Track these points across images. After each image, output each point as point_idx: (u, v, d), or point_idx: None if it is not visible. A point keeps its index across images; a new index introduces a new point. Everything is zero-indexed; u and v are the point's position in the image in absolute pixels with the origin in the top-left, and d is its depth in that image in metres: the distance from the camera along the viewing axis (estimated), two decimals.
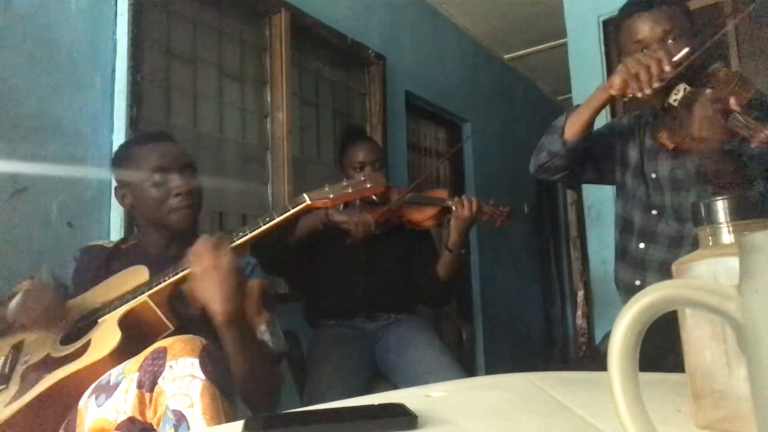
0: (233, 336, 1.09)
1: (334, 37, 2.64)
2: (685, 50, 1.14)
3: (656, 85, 1.11)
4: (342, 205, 1.18)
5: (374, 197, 1.28)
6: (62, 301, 1.16)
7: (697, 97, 1.11)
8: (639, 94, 1.13)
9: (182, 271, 1.11)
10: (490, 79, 4.37)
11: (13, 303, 1.11)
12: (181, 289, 1.16)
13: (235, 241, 1.11)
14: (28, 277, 1.30)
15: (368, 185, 1.17)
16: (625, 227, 1.42)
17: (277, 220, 1.12)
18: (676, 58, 1.13)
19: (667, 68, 1.11)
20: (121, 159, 1.32)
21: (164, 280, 1.12)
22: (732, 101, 1.04)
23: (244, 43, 2.31)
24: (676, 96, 1.17)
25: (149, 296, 1.11)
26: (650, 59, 1.12)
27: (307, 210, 1.15)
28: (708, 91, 1.11)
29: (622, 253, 1.42)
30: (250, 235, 1.12)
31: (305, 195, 1.14)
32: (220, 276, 1.04)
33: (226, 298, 1.05)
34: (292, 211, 1.13)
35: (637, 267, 1.37)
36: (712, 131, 1.06)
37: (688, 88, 1.16)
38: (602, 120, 2.77)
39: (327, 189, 1.16)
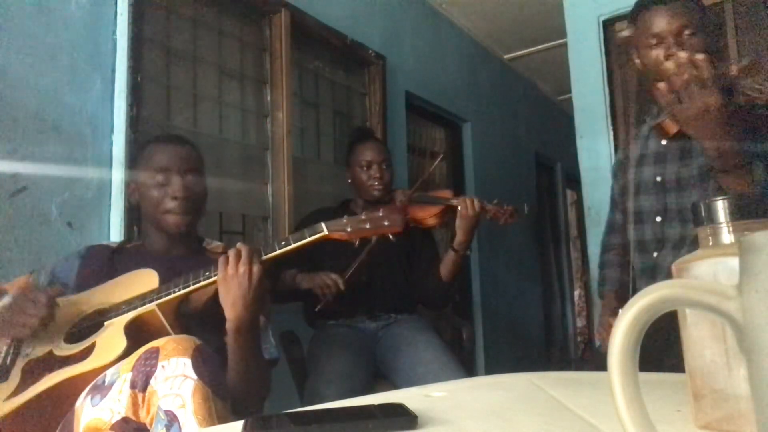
0: (241, 343, 1.09)
1: (334, 37, 2.64)
2: None
3: None
4: (357, 240, 1.18)
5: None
6: (49, 304, 1.08)
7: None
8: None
9: (193, 284, 1.11)
10: (490, 79, 4.37)
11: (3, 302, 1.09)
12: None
13: (264, 256, 1.12)
14: (29, 273, 1.30)
15: (386, 223, 1.17)
16: (640, 247, 1.40)
17: (293, 246, 1.13)
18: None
19: None
20: (138, 155, 1.34)
21: (174, 291, 1.11)
22: (733, 68, 1.04)
23: (244, 43, 2.31)
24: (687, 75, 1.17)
25: (158, 305, 1.11)
26: None
27: (323, 239, 1.15)
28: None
29: (641, 271, 1.41)
30: (269, 255, 1.13)
31: (323, 224, 1.15)
32: (248, 284, 1.06)
33: (247, 306, 1.06)
34: (309, 239, 1.14)
35: (651, 275, 1.36)
36: (706, 95, 1.04)
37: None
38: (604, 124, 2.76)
39: (345, 221, 1.16)
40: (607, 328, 1.41)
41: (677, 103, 1.10)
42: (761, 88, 1.02)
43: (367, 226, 1.16)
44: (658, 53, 1.26)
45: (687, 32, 1.24)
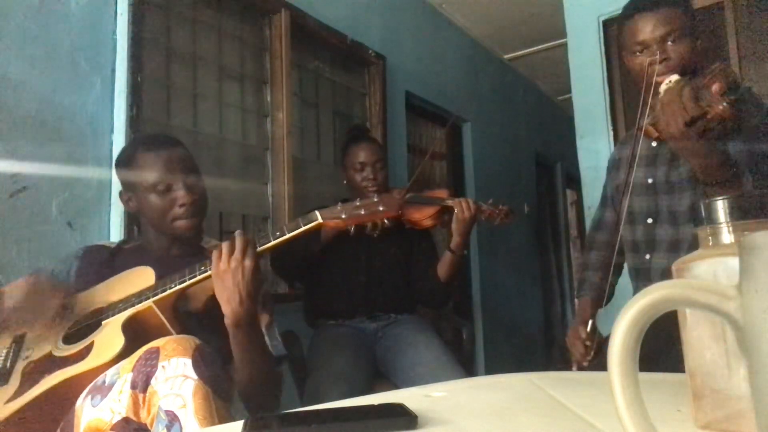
0: (242, 338, 1.08)
1: (334, 37, 2.64)
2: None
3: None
4: (353, 227, 1.17)
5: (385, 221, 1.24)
6: (66, 297, 1.14)
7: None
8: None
9: (189, 279, 1.11)
10: (490, 79, 4.37)
11: (13, 296, 1.10)
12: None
13: (259, 247, 1.11)
14: (28, 275, 1.30)
15: (381, 208, 1.15)
16: (633, 248, 1.41)
17: (288, 236, 1.12)
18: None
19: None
20: (125, 162, 1.30)
21: (170, 287, 1.11)
22: (707, 82, 1.02)
23: (244, 43, 2.31)
24: (667, 86, 1.17)
25: (154, 302, 1.10)
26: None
27: (318, 227, 1.14)
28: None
29: (635, 273, 1.41)
30: (263, 247, 1.12)
31: (317, 213, 1.13)
32: (240, 278, 1.05)
33: (242, 301, 1.05)
34: (303, 228, 1.12)
35: (645, 277, 1.36)
36: (674, 108, 1.02)
37: (677, 77, 1.15)
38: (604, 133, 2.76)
39: (339, 208, 1.15)
40: (577, 336, 1.39)
41: (656, 120, 1.10)
42: (710, 98, 0.98)
43: (362, 212, 1.14)
44: (642, 60, 1.26)
45: (671, 39, 1.23)
